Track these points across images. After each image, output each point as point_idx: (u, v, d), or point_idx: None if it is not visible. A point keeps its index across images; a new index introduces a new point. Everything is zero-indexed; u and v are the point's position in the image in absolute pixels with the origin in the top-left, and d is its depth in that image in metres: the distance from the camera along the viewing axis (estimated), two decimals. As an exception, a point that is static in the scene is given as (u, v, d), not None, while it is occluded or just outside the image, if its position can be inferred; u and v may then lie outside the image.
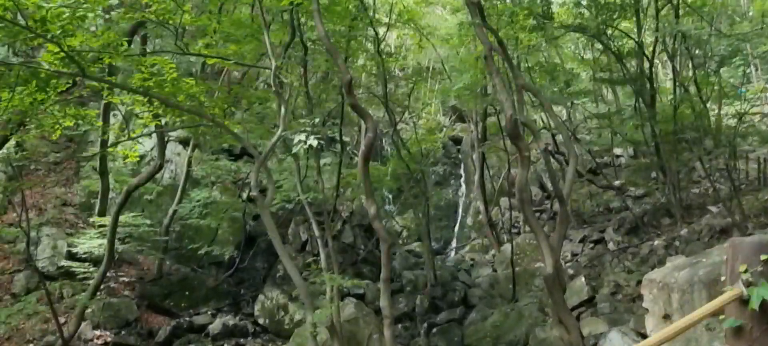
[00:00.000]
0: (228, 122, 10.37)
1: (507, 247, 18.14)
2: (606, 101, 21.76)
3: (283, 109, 9.99)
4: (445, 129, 27.11)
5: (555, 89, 16.83)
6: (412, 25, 17.61)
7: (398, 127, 18.49)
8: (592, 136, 22.25)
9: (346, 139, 21.02)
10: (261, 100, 13.74)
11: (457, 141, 29.38)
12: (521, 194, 9.62)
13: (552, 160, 17.01)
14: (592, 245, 16.76)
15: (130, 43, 10.12)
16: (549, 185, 21.29)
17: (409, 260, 18.24)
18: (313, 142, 8.89)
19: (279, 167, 17.01)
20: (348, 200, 18.60)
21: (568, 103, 20.29)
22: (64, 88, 8.21)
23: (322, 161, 17.48)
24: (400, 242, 21.59)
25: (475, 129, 21.04)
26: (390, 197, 22.96)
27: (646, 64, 15.50)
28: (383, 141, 25.50)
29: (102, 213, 13.34)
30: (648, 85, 15.31)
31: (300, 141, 9.15)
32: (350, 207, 18.54)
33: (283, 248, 9.44)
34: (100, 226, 12.53)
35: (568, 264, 15.75)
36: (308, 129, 9.64)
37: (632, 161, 21.90)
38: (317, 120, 11.69)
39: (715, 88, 15.73)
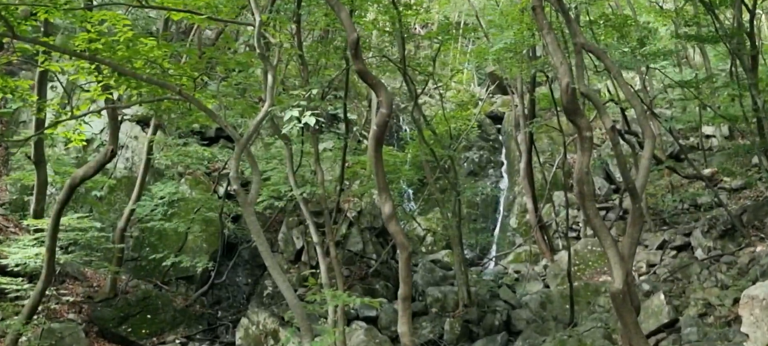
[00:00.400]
0: (199, 95, 10.39)
1: (562, 255, 18.32)
2: (692, 65, 21.55)
3: (270, 79, 10.09)
4: (481, 103, 27.25)
5: (625, 50, 16.63)
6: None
7: (420, 101, 18.48)
8: (674, 110, 22.19)
9: (351, 116, 21.32)
10: (242, 66, 13.58)
11: (496, 118, 29.77)
12: (581, 187, 9.63)
13: (621, 142, 16.87)
14: (674, 252, 16.80)
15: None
16: (617, 175, 21.34)
17: (435, 273, 18.29)
18: (310, 120, 8.81)
19: (266, 154, 17.36)
20: (355, 196, 18.81)
21: (643, 68, 20.07)
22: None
23: (322, 146, 17.95)
24: (424, 249, 21.76)
25: (520, 103, 21.09)
26: (410, 191, 23.18)
27: (746, 16, 15.41)
28: (400, 119, 25.84)
29: (38, 214, 13.42)
30: (748, 43, 15.16)
31: (292, 119, 9.11)
32: (358, 205, 18.74)
33: (271, 258, 9.57)
34: (37, 231, 12.63)
35: (642, 278, 15.80)
36: (303, 104, 9.56)
37: (727, 143, 21.84)
38: (315, 92, 11.65)
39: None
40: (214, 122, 12.05)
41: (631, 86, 16.95)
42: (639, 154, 17.37)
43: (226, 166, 17.72)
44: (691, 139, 22.61)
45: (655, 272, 15.91)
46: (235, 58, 13.45)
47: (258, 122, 9.95)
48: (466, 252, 19.33)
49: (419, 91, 18.05)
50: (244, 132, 10.97)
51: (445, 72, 24.38)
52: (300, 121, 9.00)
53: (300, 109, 9.22)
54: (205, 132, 19.70)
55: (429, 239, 22.15)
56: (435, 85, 21.35)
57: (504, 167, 26.73)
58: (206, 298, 16.01)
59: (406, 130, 25.19)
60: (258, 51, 10.14)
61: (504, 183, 25.63)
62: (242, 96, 14.24)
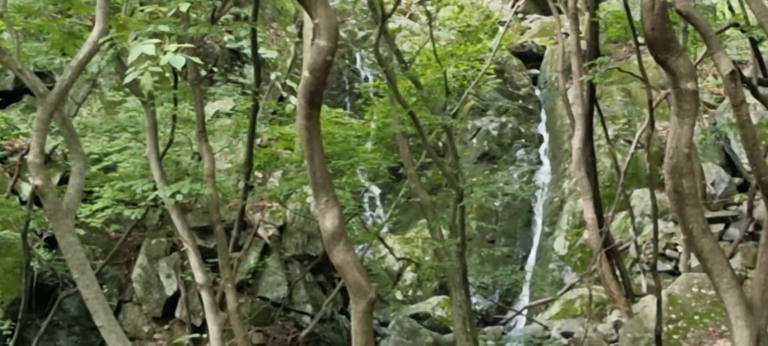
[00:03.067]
0: None
1: (647, 304, 17.57)
2: None
3: None
4: (502, 30, 26.46)
5: None
6: None
7: (392, 26, 19.86)
8: None
9: (266, 54, 21.60)
10: None
11: (530, 57, 30.33)
12: (677, 182, 9.51)
13: (750, 100, 15.55)
14: None
15: None
16: (744, 160, 20.86)
17: (420, 338, 18.26)
18: (175, 60, 8.17)
19: (110, 124, 16.85)
20: (273, 199, 18.55)
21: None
22: None
23: (213, 108, 18.18)
24: (400, 295, 21.75)
25: (572, 30, 20.25)
26: (375, 191, 23.54)
27: None
28: (357, 60, 26.82)
29: None
30: None
31: (144, 57, 8.50)
32: (280, 216, 18.60)
33: (109, 316, 9.89)
34: None
35: None
36: (168, 29, 9.76)
37: None
38: (187, 7, 11.09)
39: None
40: (6, 67, 12.51)
41: None
42: None
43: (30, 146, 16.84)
44: None
45: None
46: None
47: (79, 64, 9.94)
48: (475, 300, 19.68)
49: (389, 7, 17.80)
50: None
51: None
52: (157, 62, 8.43)
53: (158, 39, 8.71)
54: None
55: (409, 276, 22.04)
56: None
57: (543, 146, 26.84)
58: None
59: (367, 80, 25.44)
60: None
61: (543, 175, 25.54)
62: (63, 16, 13.81)
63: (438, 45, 18.97)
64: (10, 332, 14.85)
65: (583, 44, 19.85)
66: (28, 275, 15.49)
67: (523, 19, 31.59)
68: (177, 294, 16.71)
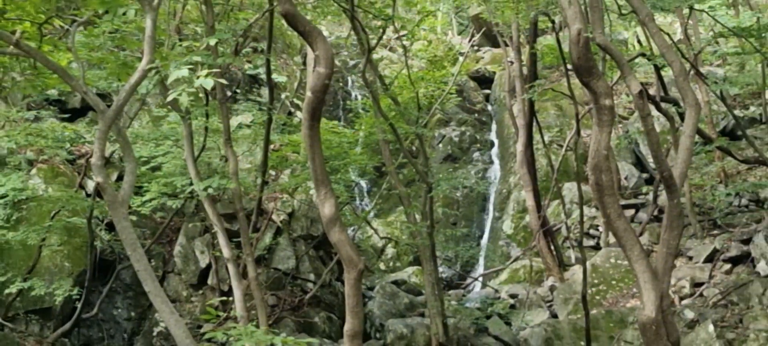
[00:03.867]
0: (47, 49, 10.69)
1: (576, 272, 18.72)
2: (753, 5, 21.61)
3: (149, 23, 10.25)
4: (462, 59, 27.23)
5: None
6: None
7: (375, 56, 19.19)
8: (727, 69, 22.69)
9: (278, 78, 21.79)
10: (116, 5, 13.11)
11: (484, 80, 30.78)
12: (598, 176, 9.93)
13: (655, 113, 17.23)
14: (728, 265, 17.08)
15: None
16: (650, 160, 21.87)
17: (399, 299, 18.63)
18: (205, 83, 8.80)
19: (155, 133, 17.47)
20: (284, 192, 18.94)
21: (685, 10, 19.94)
22: None
23: (236, 120, 18.42)
24: (382, 266, 22.35)
25: (516, 59, 21.40)
26: (363, 185, 23.78)
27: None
28: (349, 82, 26.63)
29: None
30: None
31: (182, 80, 9.15)
32: (288, 205, 18.91)
33: (153, 282, 9.80)
34: None
35: (684, 302, 16.01)
36: (196, 59, 10.02)
37: (802, 114, 22.05)
38: (213, 42, 11.84)
39: None
40: (73, 88, 11.89)
41: (669, 36, 16.81)
42: (679, 129, 16.82)
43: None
44: (752, 108, 22.98)
45: (701, 294, 16.12)
46: (106, -6, 13.73)
47: (131, 87, 10.16)
48: (441, 269, 19.73)
49: (374, 42, 18.13)
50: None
51: (411, 15, 23.66)
52: (193, 85, 9.01)
53: (193, 67, 9.39)
54: (66, 102, 19.70)
55: (390, 251, 22.74)
56: (397, 34, 21.39)
57: (494, 150, 27.38)
58: (70, 339, 15.93)
59: (356, 99, 25.50)
60: (136, -18, 10.18)
61: (494, 172, 26.23)
62: (118, 50, 14.24)
63: (412, 71, 19.48)
64: (78, 297, 15.69)
65: (525, 70, 20.99)
66: (92, 252, 16.30)
67: (477, 50, 31.85)
68: (209, 266, 17.50)
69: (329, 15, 19.18)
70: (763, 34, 17.55)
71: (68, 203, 16.25)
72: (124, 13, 13.66)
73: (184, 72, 8.97)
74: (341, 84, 26.97)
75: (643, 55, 18.35)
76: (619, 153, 23.70)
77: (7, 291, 15.17)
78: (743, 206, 19.33)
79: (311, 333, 16.11)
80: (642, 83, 12.39)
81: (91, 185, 17.32)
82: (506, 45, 23.52)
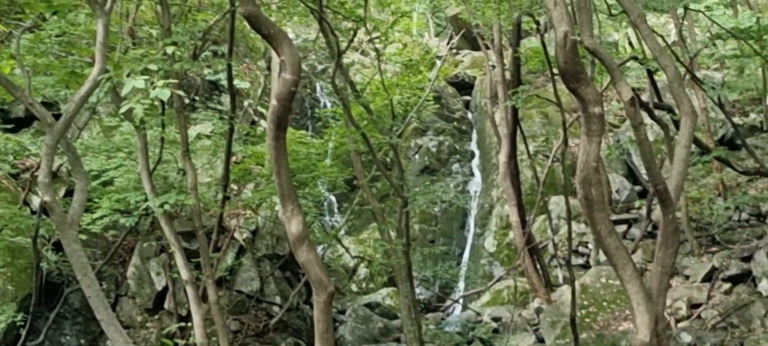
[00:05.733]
0: None
1: (563, 293, 18.84)
2: (752, 4, 21.77)
3: (100, 28, 10.50)
4: (439, 63, 27.39)
5: None
6: None
7: (346, 60, 19.45)
8: (726, 73, 22.71)
9: (241, 84, 21.94)
10: (64, 8, 13.10)
11: (463, 86, 31.38)
12: (587, 190, 9.95)
13: (648, 121, 16.65)
14: (727, 285, 17.12)
15: None
16: (643, 172, 21.61)
17: (373, 323, 18.86)
18: (162, 93, 9.03)
19: (106, 145, 17.47)
20: (247, 208, 18.97)
21: (679, 10, 20.00)
22: None
23: (194, 131, 18.38)
24: (354, 287, 22.47)
25: (498, 63, 21.36)
26: (333, 199, 24.01)
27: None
28: (317, 89, 26.99)
29: None
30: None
31: (136, 91, 9.45)
32: (252, 222, 18.99)
33: (107, 310, 10.19)
34: None
35: (681, 325, 16.15)
36: (152, 67, 10.10)
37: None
38: (171, 50, 12.23)
39: None
40: (16, 98, 12.51)
41: (663, 38, 17.04)
42: (674, 139, 16.92)
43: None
44: (752, 115, 23.13)
45: (699, 316, 16.27)
46: (52, -4, 13.76)
47: (81, 98, 10.37)
48: (419, 291, 20.08)
49: (344, 45, 18.09)
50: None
51: (384, 16, 24.06)
52: (149, 95, 9.19)
53: (148, 76, 9.41)
54: (9, 111, 19.71)
55: (362, 271, 22.82)
56: (369, 37, 21.30)
57: (475, 161, 27.71)
58: (14, 369, 15.76)
59: (325, 106, 26.13)
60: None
61: (475, 185, 26.48)
62: (65, 56, 14.43)
63: (385, 76, 19.62)
64: (23, 323, 15.86)
65: (508, 75, 21.09)
66: (38, 274, 16.37)
67: (456, 54, 32.62)
68: (165, 289, 17.57)
69: (295, 16, 19.30)
70: (764, 36, 17.63)
71: (11, 221, 16.16)
72: (74, 15, 13.77)
73: (140, 83, 9.07)
74: (309, 91, 27.35)
75: (634, 58, 18.60)
76: (610, 164, 23.76)
77: (-57, 317, 15.18)
78: (743, 220, 19.54)
79: (277, 362, 16.07)
80: (634, 89, 12.46)
81: (36, 202, 17.26)
82: (487, 48, 23.59)
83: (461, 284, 23.10)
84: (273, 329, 17.63)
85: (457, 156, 27.15)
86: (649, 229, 20.07)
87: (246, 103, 22.34)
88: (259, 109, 22.59)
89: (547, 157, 22.92)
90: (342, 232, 22.27)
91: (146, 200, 14.28)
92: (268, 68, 22.95)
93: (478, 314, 20.52)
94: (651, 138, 16.10)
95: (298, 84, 9.64)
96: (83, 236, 14.75)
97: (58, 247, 16.97)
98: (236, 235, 18.33)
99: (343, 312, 19.95)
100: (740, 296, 16.11)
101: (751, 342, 14.42)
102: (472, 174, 26.85)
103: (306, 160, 18.01)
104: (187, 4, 16.76)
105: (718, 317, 15.61)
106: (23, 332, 16.07)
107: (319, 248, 20.48)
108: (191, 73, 21.51)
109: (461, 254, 24.35)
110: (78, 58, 14.54)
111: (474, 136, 28.43)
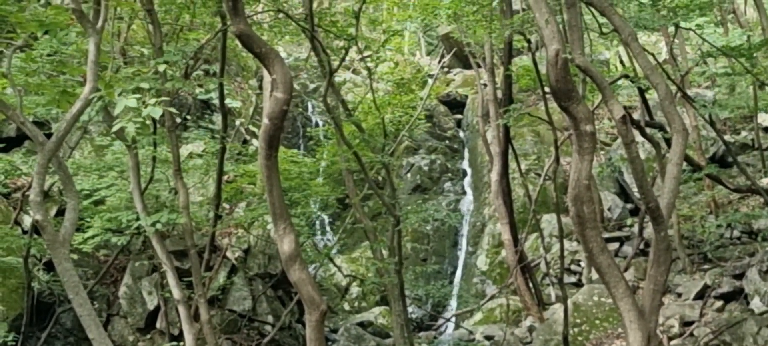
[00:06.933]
0: None
1: (556, 311, 18.54)
2: (743, 23, 21.56)
3: (92, 47, 10.40)
4: (431, 82, 27.51)
5: (644, 0, 16.81)
6: None
7: (338, 79, 19.78)
8: (717, 91, 22.82)
9: (232, 104, 22.08)
10: (55, 27, 12.75)
11: (455, 105, 31.55)
12: (579, 208, 9.93)
13: (639, 139, 17.08)
14: (719, 302, 17.10)
15: None
16: (634, 190, 21.76)
17: (365, 342, 18.84)
18: (155, 111, 9.01)
19: (98, 164, 17.55)
20: (239, 227, 18.94)
21: (670, 29, 20.15)
22: None
23: (186, 149, 18.59)
24: (347, 306, 22.43)
25: (489, 81, 21.43)
26: (325, 218, 24.03)
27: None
28: (309, 108, 27.12)
29: None
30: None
31: (128, 110, 9.29)
32: (244, 241, 18.98)
33: (99, 329, 10.01)
34: None
35: (673, 342, 16.10)
36: (144, 86, 10.07)
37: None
38: (163, 69, 12.20)
39: None
40: (8, 118, 12.20)
41: (654, 56, 16.68)
42: (666, 156, 16.91)
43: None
44: (743, 133, 23.22)
45: (692, 334, 16.11)
46: (42, 14, 13.02)
47: (73, 117, 10.27)
48: (411, 309, 20.05)
49: (336, 64, 18.10)
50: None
51: (376, 35, 24.39)
52: (141, 114, 9.13)
53: (140, 94, 9.36)
54: (0, 130, 19.77)
55: (355, 290, 22.79)
56: (361, 56, 21.43)
57: (467, 179, 27.78)
58: (5, 390, 15.71)
59: (317, 125, 26.22)
60: (74, 4, 10.51)
61: (467, 203, 26.43)
62: (57, 75, 14.10)
63: (377, 95, 19.77)
64: (14, 343, 15.59)
65: (499, 93, 21.26)
66: (29, 294, 16.39)
67: (448, 72, 32.71)
68: (157, 308, 17.49)
69: (287, 35, 19.19)
70: (754, 54, 17.64)
71: (2, 241, 16.15)
72: (65, 34, 13.68)
73: (132, 102, 8.98)
74: (301, 109, 27.37)
75: (626, 76, 18.47)
76: (602, 182, 23.80)
77: (-68, 339, 15.08)
78: (735, 238, 19.47)
79: (269, 380, 16.04)
80: (625, 107, 12.42)
81: (27, 221, 17.26)
82: (479, 66, 23.70)
83: (453, 303, 23.10)
84: (265, 348, 17.53)
85: (449, 174, 27.20)
86: (641, 247, 20.06)
87: (238, 122, 22.33)
88: (251, 128, 22.63)
89: (539, 175, 22.99)
90: (334, 250, 22.43)
91: (138, 219, 14.28)
92: (260, 87, 23.01)
93: (471, 332, 20.53)
94: (643, 156, 17.23)
95: (290, 103, 9.60)
96: (75, 256, 15.51)
97: (49, 266, 17.11)
98: (228, 254, 18.36)
99: (335, 331, 19.96)
100: (732, 313, 16.12)
101: (742, 361, 14.22)
102: (464, 192, 26.89)
103: (298, 179, 18.04)
104: (178, 23, 16.77)
105: (710, 334, 15.59)
106: (16, 352, 15.84)
107: (312, 267, 20.40)
108: (183, 92, 21.33)
109: (453, 273, 24.33)
110: (69, 78, 14.24)
111: (466, 154, 28.52)
